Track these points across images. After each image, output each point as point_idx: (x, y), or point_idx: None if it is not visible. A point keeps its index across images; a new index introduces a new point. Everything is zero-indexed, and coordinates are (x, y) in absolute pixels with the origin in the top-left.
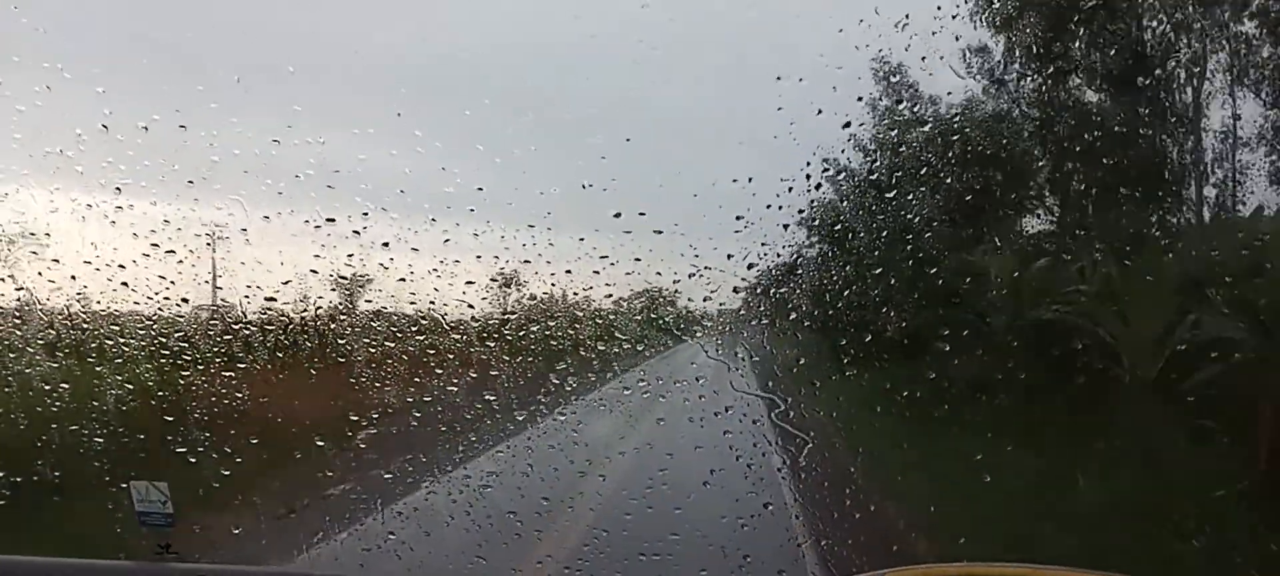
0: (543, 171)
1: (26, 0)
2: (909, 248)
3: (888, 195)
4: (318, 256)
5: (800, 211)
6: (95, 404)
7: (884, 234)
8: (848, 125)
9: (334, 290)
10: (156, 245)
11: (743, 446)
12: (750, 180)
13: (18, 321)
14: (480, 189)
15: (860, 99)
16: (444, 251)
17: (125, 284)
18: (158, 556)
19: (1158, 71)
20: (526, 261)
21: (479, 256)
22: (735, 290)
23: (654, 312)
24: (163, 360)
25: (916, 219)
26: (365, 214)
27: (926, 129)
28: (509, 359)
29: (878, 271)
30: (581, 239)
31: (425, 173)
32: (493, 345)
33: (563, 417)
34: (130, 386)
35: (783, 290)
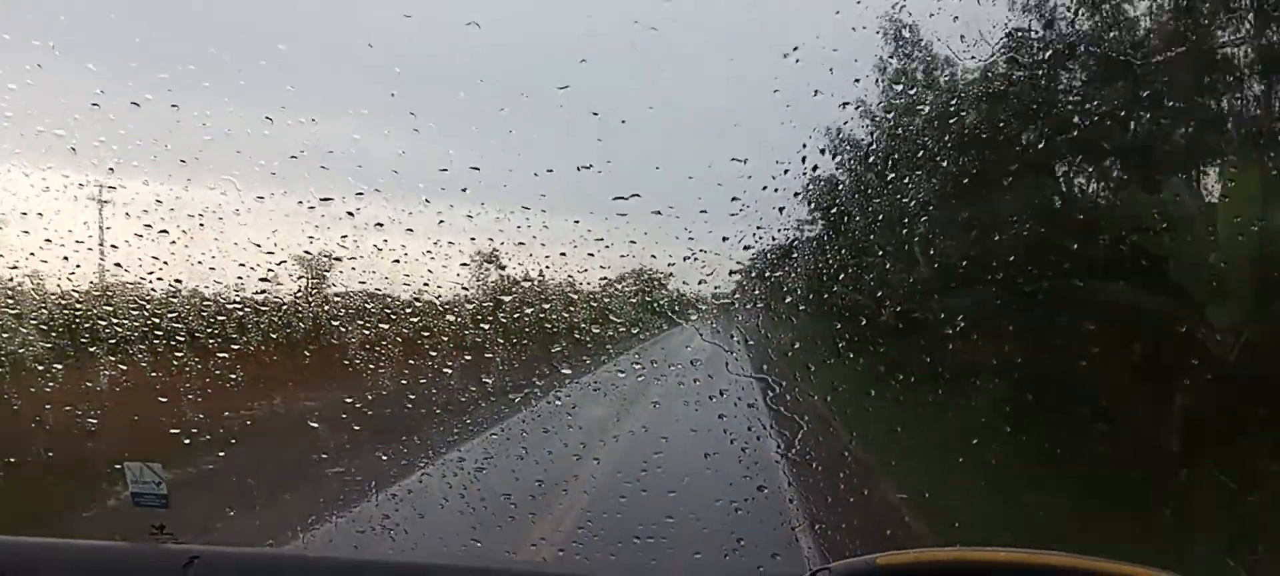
0: (538, 153)
1: None
2: (907, 228)
3: (888, 177)
4: (311, 238)
5: (796, 194)
6: (88, 384)
7: (880, 217)
8: (846, 105)
9: (328, 271)
10: (149, 225)
11: (737, 430)
12: (746, 162)
13: (10, 301)
14: (475, 170)
15: (857, 81)
16: (438, 233)
17: (118, 264)
18: (151, 537)
19: None
20: (521, 244)
21: (473, 238)
22: (731, 273)
23: (649, 295)
24: (155, 340)
25: (912, 202)
26: (359, 194)
27: (925, 110)
28: (503, 341)
29: (879, 254)
30: (577, 221)
31: (420, 153)
32: (487, 327)
33: (558, 401)
34: (123, 366)
35: (778, 273)
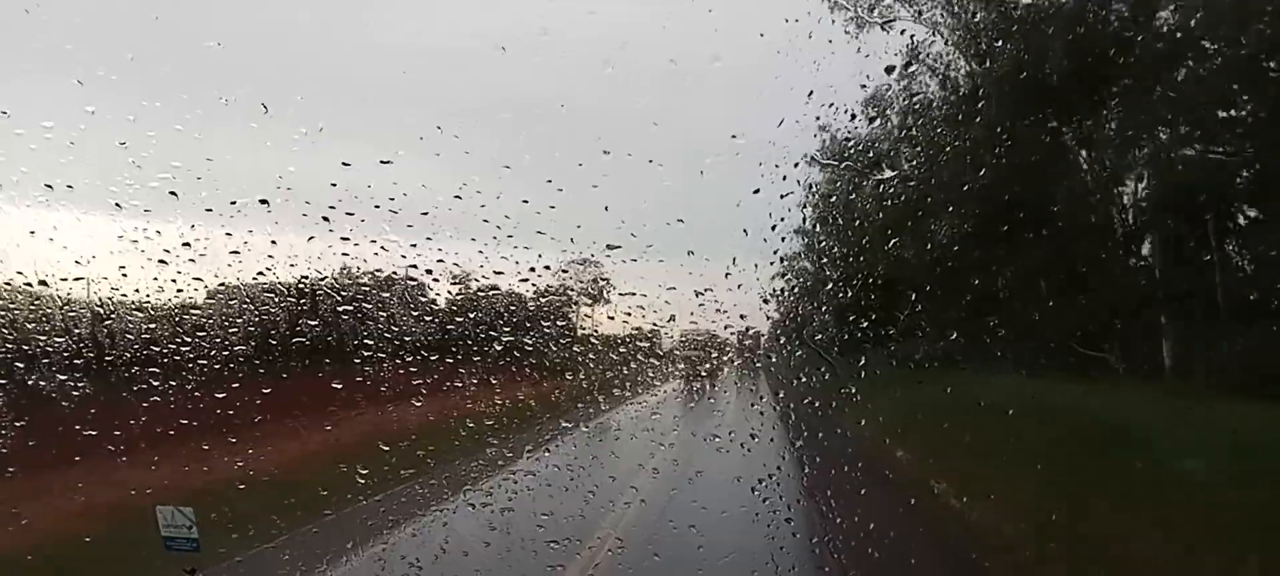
0: (565, 192)
1: (49, 19)
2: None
3: (920, 214)
4: (341, 274)
5: (818, 234)
6: (118, 431)
7: (908, 254)
8: (870, 147)
9: (357, 310)
10: (181, 272)
11: (767, 476)
12: (783, 198)
13: (43, 340)
14: (501, 206)
15: (873, 119)
16: (466, 271)
17: (152, 306)
18: None
19: None
20: (546, 283)
21: (500, 272)
22: (760, 307)
23: (672, 335)
24: (186, 379)
25: (944, 235)
26: (389, 233)
27: (948, 151)
28: (524, 380)
29: (904, 291)
30: (602, 260)
31: (449, 192)
32: (512, 367)
33: (576, 446)
34: (155, 401)
35: (806, 310)
